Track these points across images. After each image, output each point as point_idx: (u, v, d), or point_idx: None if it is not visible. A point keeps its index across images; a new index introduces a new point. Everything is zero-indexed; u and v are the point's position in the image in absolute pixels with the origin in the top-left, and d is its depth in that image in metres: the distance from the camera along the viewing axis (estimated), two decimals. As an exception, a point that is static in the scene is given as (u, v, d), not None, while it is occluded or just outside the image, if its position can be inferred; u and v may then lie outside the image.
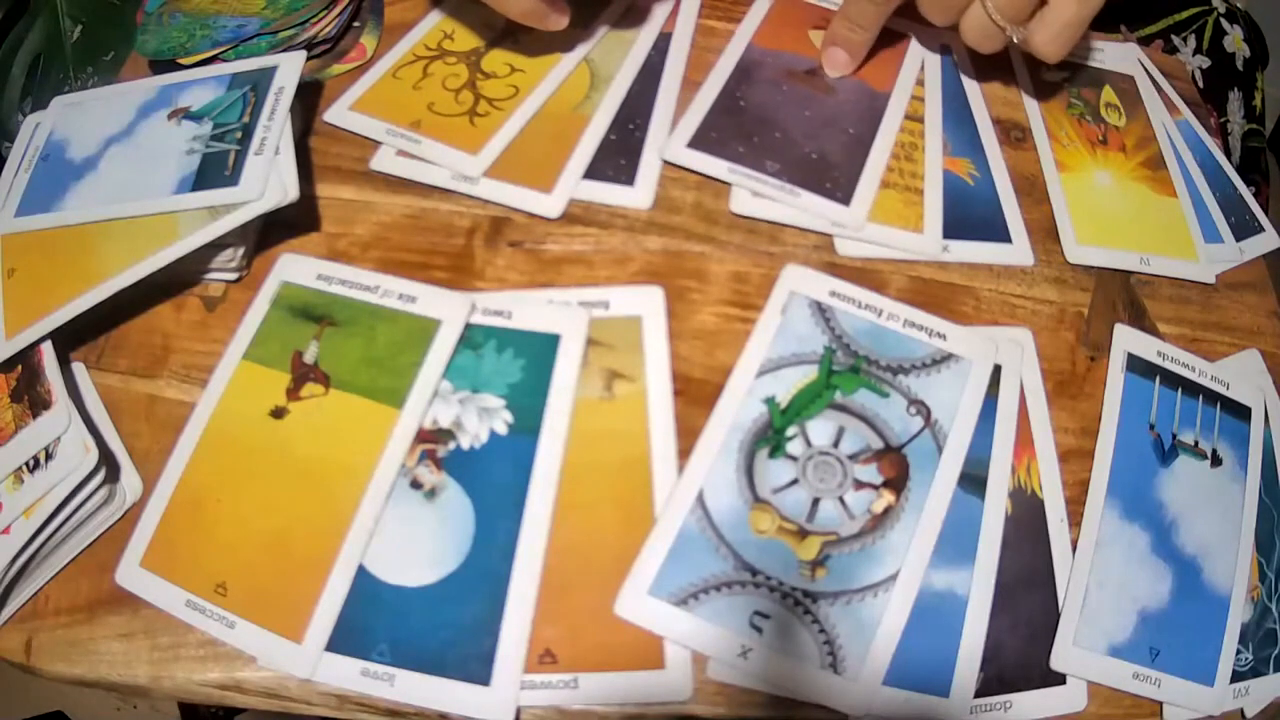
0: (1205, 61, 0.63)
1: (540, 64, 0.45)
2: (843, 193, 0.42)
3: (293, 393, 0.35)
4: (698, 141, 0.43)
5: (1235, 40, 0.65)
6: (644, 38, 0.47)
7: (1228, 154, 0.63)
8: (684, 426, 0.36)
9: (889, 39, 0.49)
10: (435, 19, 0.47)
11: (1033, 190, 0.46)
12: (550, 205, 0.41)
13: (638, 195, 0.42)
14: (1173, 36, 0.63)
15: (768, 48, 0.47)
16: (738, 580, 0.34)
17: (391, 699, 0.31)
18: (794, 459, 0.36)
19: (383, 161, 0.42)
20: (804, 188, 0.42)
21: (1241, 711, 0.37)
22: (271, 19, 0.43)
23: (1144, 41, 0.62)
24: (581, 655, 0.32)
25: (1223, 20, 0.65)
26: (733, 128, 0.44)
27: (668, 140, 0.43)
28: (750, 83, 0.46)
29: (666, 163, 0.43)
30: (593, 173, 0.42)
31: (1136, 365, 0.41)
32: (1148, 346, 0.41)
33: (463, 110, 0.43)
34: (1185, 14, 0.64)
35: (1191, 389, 0.41)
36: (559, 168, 0.41)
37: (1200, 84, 0.62)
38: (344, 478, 0.34)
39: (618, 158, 0.43)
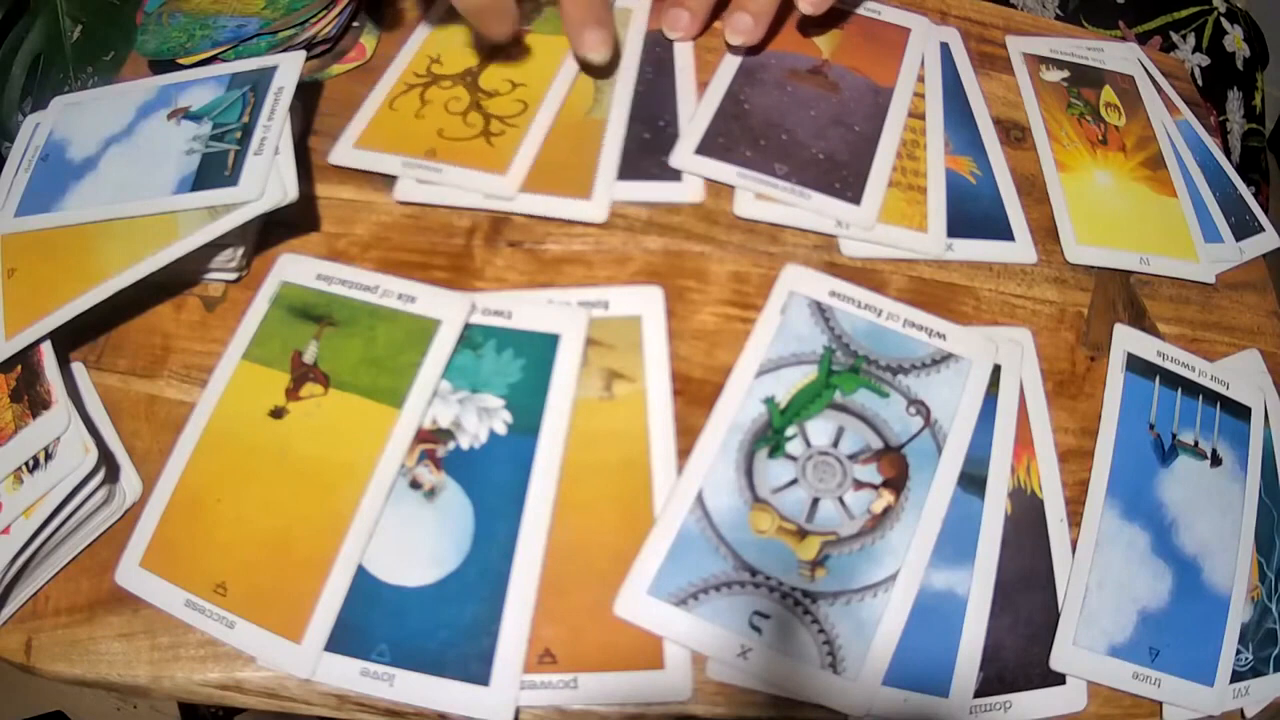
0: (1205, 60, 0.63)
1: (540, 76, 0.45)
2: (852, 192, 0.42)
3: (292, 393, 0.35)
4: (705, 148, 0.43)
5: (1235, 40, 0.65)
6: (632, 37, 0.47)
7: (1227, 153, 0.63)
8: (683, 426, 0.36)
9: (889, 33, 0.49)
10: (417, 44, 0.46)
11: (1032, 190, 0.46)
12: (594, 210, 0.40)
13: (688, 189, 0.42)
14: (1171, 34, 0.63)
15: (769, 48, 0.47)
16: (737, 580, 0.34)
17: (391, 699, 0.31)
18: (793, 459, 0.36)
19: (406, 192, 0.41)
20: (814, 189, 0.42)
21: (1241, 711, 0.37)
22: (271, 19, 0.43)
23: (1142, 38, 0.62)
24: (581, 655, 0.32)
25: (1223, 20, 0.65)
26: (739, 132, 0.44)
27: (675, 148, 0.43)
28: (753, 85, 0.46)
29: (674, 170, 0.43)
30: (639, 174, 0.42)
31: (1136, 365, 0.41)
32: (1148, 346, 0.41)
33: (475, 132, 0.42)
34: (1185, 12, 0.64)
35: (1191, 389, 0.41)
36: (592, 172, 0.41)
37: (1199, 82, 0.62)
38: (344, 478, 0.34)
39: (658, 155, 0.43)
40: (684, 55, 0.46)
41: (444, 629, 0.32)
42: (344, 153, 0.42)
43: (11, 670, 0.32)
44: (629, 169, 0.42)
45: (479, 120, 0.43)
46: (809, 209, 0.42)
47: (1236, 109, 0.65)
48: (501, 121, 0.43)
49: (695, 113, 0.44)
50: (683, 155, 0.43)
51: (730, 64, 0.46)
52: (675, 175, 0.42)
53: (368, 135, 0.42)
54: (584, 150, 0.42)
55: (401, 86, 0.44)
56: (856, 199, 0.42)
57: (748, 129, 0.44)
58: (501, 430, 0.35)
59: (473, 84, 0.44)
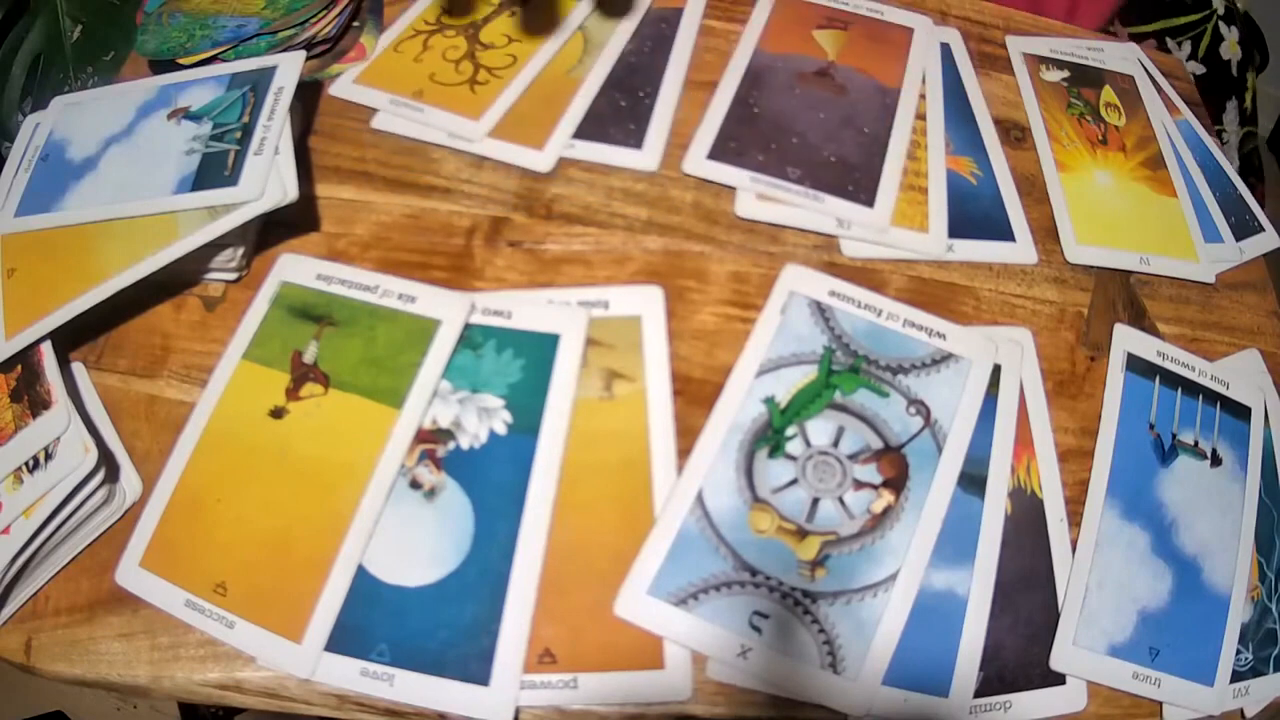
0: (1200, 69, 0.63)
1: (536, 34, 0.46)
2: (865, 195, 0.43)
3: (292, 393, 0.35)
4: (717, 152, 0.43)
5: (1231, 45, 0.64)
6: (637, 7, 0.48)
7: (1226, 163, 0.63)
8: (683, 426, 0.36)
9: (893, 34, 0.49)
10: None
11: (1032, 190, 0.46)
12: (541, 161, 0.42)
13: (645, 158, 0.43)
14: (1167, 39, 0.63)
15: (775, 51, 0.47)
16: (737, 580, 0.34)
17: (391, 699, 0.31)
18: (793, 459, 0.36)
19: (384, 122, 0.43)
20: (828, 192, 0.42)
21: (1241, 711, 0.37)
22: (271, 19, 0.43)
23: (1135, 39, 0.62)
24: (581, 655, 0.32)
25: (1221, 24, 0.65)
26: (750, 136, 0.44)
27: (687, 153, 0.43)
28: (762, 88, 0.46)
29: (687, 174, 0.43)
30: (603, 136, 0.43)
31: (1136, 365, 0.41)
32: (1148, 346, 0.41)
33: (463, 79, 0.45)
34: (1183, 19, 0.63)
35: (1191, 389, 0.41)
36: (552, 126, 0.43)
37: None
38: (344, 478, 0.34)
39: (628, 123, 0.44)
40: (685, 36, 0.47)
41: (444, 629, 0.32)
42: (344, 86, 0.45)
43: (11, 670, 0.32)
44: (595, 130, 0.43)
45: (469, 69, 0.45)
46: (823, 212, 0.42)
47: (1234, 118, 0.64)
48: (489, 72, 0.45)
49: (704, 117, 0.44)
50: (694, 160, 0.43)
51: (737, 67, 0.46)
52: (637, 144, 0.43)
53: (368, 73, 0.45)
54: (554, 105, 0.44)
55: (410, 32, 0.47)
56: (870, 201, 0.42)
57: (758, 133, 0.44)
58: (501, 430, 0.35)
59: (473, 36, 0.47)
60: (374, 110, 0.44)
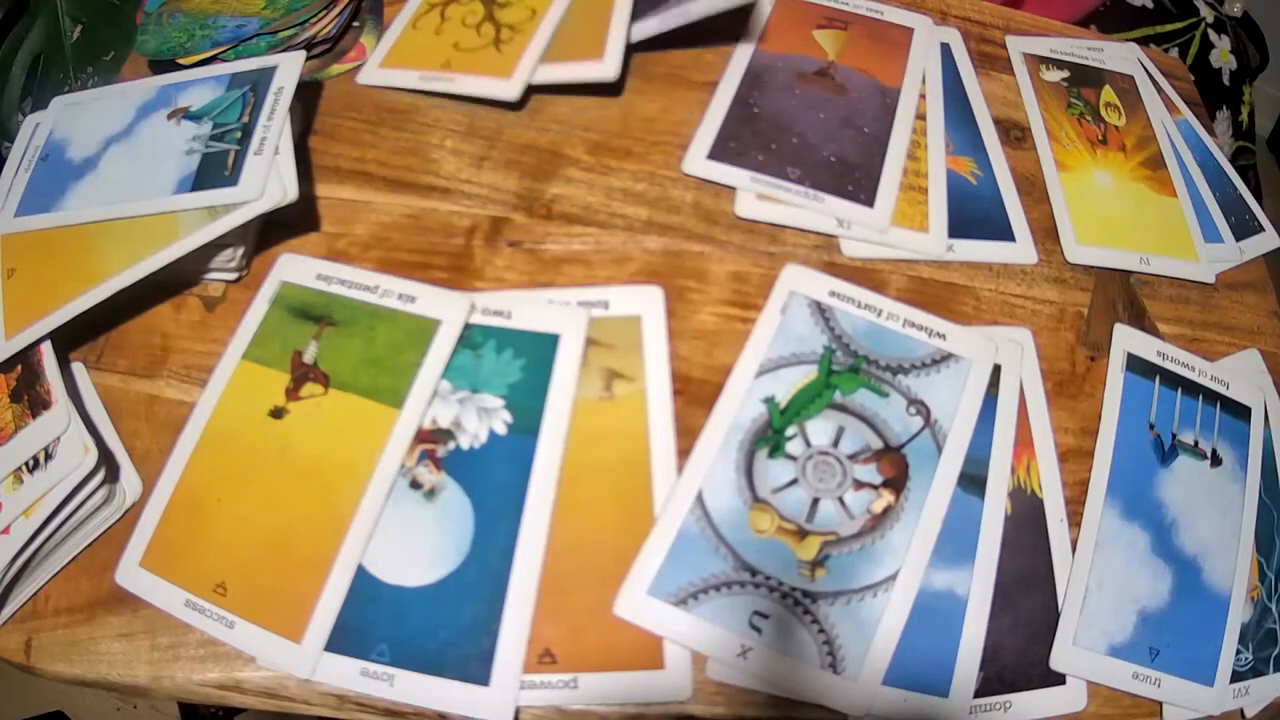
0: (1189, 77, 0.63)
1: None
2: (865, 194, 0.42)
3: (292, 393, 0.35)
4: (717, 153, 0.43)
5: (1222, 54, 0.64)
6: None
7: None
8: (683, 426, 0.36)
9: (893, 33, 0.49)
10: None
11: (1032, 190, 0.46)
12: (606, 69, 0.42)
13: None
14: (1152, 46, 0.62)
15: (775, 51, 0.47)
16: (737, 580, 0.34)
17: (391, 699, 0.31)
18: (793, 459, 0.36)
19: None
20: (827, 192, 0.42)
21: (1241, 711, 0.37)
22: (271, 19, 0.43)
23: None
24: (581, 655, 0.32)
25: (1210, 32, 0.64)
26: (750, 136, 0.44)
27: (687, 153, 0.43)
28: (762, 88, 0.46)
29: (687, 174, 0.43)
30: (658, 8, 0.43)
31: (1136, 365, 0.41)
32: (1148, 346, 0.41)
33: (487, 42, 0.45)
34: (1169, 27, 0.63)
35: (1191, 389, 0.41)
36: (603, 38, 0.43)
37: None
38: (344, 478, 0.34)
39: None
40: None
41: (444, 629, 0.32)
42: (370, 73, 0.45)
43: (11, 670, 0.32)
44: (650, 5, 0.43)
45: (491, 31, 0.45)
46: (823, 212, 0.42)
47: (1225, 130, 0.64)
48: (511, 30, 0.45)
49: (704, 117, 0.44)
50: (694, 160, 0.43)
51: (737, 67, 0.46)
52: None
53: (391, 56, 0.45)
54: (599, 18, 0.44)
55: (425, 7, 0.47)
56: (870, 201, 0.42)
57: (758, 133, 0.44)
58: (501, 430, 0.35)
59: None
60: (394, 91, 0.44)
